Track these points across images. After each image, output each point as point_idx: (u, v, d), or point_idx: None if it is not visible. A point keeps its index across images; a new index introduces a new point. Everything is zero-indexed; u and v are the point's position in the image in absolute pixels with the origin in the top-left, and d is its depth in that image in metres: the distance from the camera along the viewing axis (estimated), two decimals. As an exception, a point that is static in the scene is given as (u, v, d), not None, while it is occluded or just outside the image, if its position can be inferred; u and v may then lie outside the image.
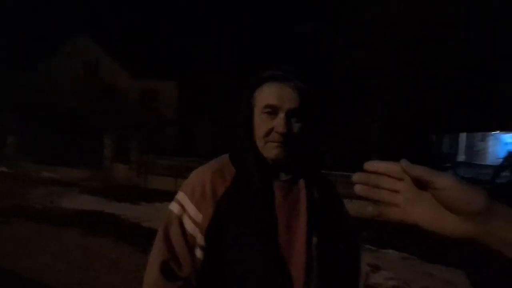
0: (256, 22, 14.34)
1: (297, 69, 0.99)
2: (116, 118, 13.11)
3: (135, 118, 13.84)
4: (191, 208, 0.95)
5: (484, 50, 9.79)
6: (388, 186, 0.51)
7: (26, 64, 16.45)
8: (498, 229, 0.44)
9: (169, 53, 17.84)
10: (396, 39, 9.57)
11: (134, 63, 18.67)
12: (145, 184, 10.31)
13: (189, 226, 0.94)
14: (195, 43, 15.73)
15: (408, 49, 9.65)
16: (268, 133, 0.94)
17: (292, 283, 0.89)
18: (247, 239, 0.90)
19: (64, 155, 11.49)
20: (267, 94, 0.95)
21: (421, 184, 0.48)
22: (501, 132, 13.75)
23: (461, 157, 17.86)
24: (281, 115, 0.93)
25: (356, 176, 0.52)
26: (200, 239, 0.93)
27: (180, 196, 0.98)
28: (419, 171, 0.46)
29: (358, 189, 0.52)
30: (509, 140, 13.04)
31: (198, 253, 0.93)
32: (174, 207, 0.98)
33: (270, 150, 0.94)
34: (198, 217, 0.94)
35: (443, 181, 0.44)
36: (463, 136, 18.20)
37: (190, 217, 0.94)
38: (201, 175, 0.99)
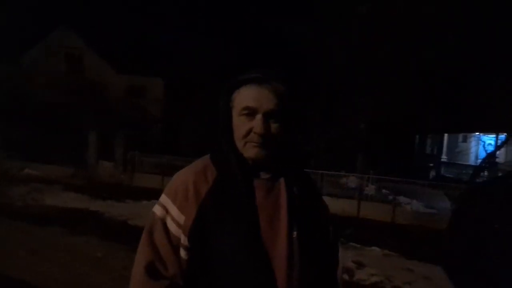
0: (245, 22, 14.35)
1: (276, 71, 1.01)
2: (101, 114, 12.91)
3: (120, 115, 13.65)
4: (174, 210, 0.97)
5: (466, 54, 10.05)
6: None
7: (6, 57, 16.00)
8: None
9: (156, 49, 17.66)
10: (381, 43, 9.75)
11: (120, 59, 18.36)
12: (131, 181, 10.20)
13: (172, 227, 0.96)
14: (183, 41, 15.64)
15: (393, 53, 9.84)
16: (247, 134, 0.96)
17: (275, 275, 0.92)
18: (230, 237, 0.93)
19: (47, 152, 11.24)
20: (245, 96, 0.97)
21: None
22: (481, 134, 14.23)
23: (444, 157, 18.34)
24: (259, 116, 0.95)
25: None
26: (184, 239, 0.95)
27: (163, 199, 1.00)
28: None
29: None
30: (488, 142, 13.55)
31: (183, 253, 0.95)
32: (157, 209, 1.00)
33: (249, 150, 0.97)
34: (181, 218, 0.96)
35: None
36: (445, 137, 18.67)
37: (173, 219, 0.96)
38: (183, 177, 1.01)
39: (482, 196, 1.53)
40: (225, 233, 0.93)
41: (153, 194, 8.28)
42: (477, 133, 14.54)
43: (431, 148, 17.92)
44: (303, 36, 10.47)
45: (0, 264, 3.98)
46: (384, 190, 9.32)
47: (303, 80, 9.98)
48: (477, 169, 11.38)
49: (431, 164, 14.96)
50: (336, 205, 7.93)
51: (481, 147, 12.71)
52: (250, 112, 0.96)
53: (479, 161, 12.79)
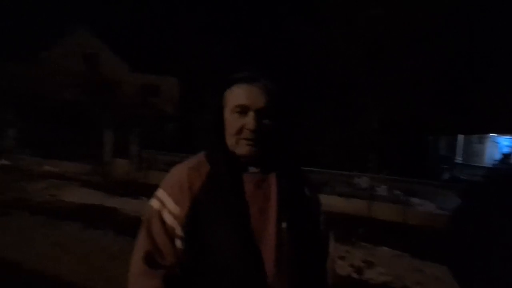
0: (255, 22, 14.39)
1: (266, 70, 1.08)
2: (116, 112, 13.15)
3: (135, 113, 13.89)
4: (169, 202, 1.04)
5: (483, 54, 9.88)
6: None
7: (26, 56, 16.44)
8: None
9: (170, 48, 17.87)
10: (393, 41, 9.65)
11: (135, 58, 18.65)
12: (145, 179, 10.39)
13: (168, 219, 1.03)
14: (196, 39, 15.77)
15: (406, 51, 9.73)
16: (239, 131, 1.02)
17: (264, 264, 0.98)
18: (220, 228, 0.99)
19: (64, 149, 11.54)
20: (237, 95, 1.03)
21: None
22: (497, 135, 13.92)
23: (458, 159, 18.02)
24: (251, 113, 1.01)
25: None
26: (179, 230, 1.02)
27: (160, 192, 1.08)
28: None
29: None
30: (504, 143, 13.22)
31: (178, 243, 1.02)
32: (154, 203, 1.08)
33: (242, 147, 1.03)
34: (176, 210, 1.03)
35: None
36: (460, 138, 18.33)
37: (169, 211, 1.03)
38: (179, 173, 1.09)
39: (479, 193, 1.57)
40: (216, 224, 1.00)
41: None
42: (493, 134, 14.25)
43: (445, 149, 17.61)
44: (316, 36, 10.45)
45: (22, 256, 4.17)
46: (396, 191, 9.26)
47: (314, 79, 10.00)
48: (492, 170, 11.16)
49: (445, 166, 14.71)
50: (347, 205, 7.94)
51: (497, 148, 12.47)
52: (242, 110, 1.02)
53: (495, 162, 12.54)
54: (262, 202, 1.04)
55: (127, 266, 3.70)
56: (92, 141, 11.36)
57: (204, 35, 15.44)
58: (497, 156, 13.39)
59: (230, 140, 1.05)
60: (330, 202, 7.02)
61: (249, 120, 1.01)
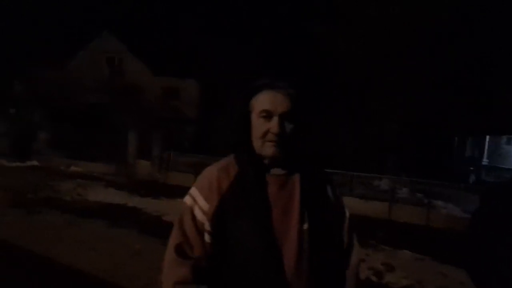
0: (274, 25, 14.41)
1: (289, 77, 1.15)
2: (139, 115, 13.50)
3: (157, 116, 14.20)
4: (200, 199, 1.12)
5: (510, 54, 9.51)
6: None
7: (54, 61, 17.11)
8: None
9: (190, 51, 18.16)
10: (416, 40, 9.44)
11: (156, 61, 19.06)
12: (166, 180, 10.61)
13: (199, 215, 1.11)
14: (215, 42, 15.96)
15: (430, 49, 9.50)
16: (264, 134, 1.09)
17: (284, 264, 1.04)
18: (244, 226, 1.06)
19: (90, 150, 11.97)
20: (262, 101, 1.11)
21: None
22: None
23: (485, 161, 17.38)
24: (275, 118, 1.08)
25: None
26: (207, 225, 1.10)
27: (192, 190, 1.17)
28: None
29: None
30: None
31: (207, 237, 1.10)
32: (187, 199, 1.16)
33: (267, 149, 1.09)
34: (206, 206, 1.11)
35: None
36: (487, 139, 17.68)
37: (200, 208, 1.12)
38: (210, 173, 1.17)
39: (499, 195, 1.54)
40: (240, 222, 1.07)
41: (186, 192, 8.52)
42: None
43: (472, 151, 17.02)
44: (335, 36, 10.37)
45: (51, 251, 4.39)
46: (418, 193, 9.05)
47: (335, 81, 9.92)
48: None
49: (471, 168, 14.22)
50: (367, 207, 7.83)
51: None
52: (267, 115, 1.09)
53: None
54: (285, 203, 1.10)
55: (148, 263, 3.83)
56: (116, 143, 11.71)
57: (223, 38, 15.60)
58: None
59: (256, 143, 1.12)
60: (349, 204, 6.92)
61: (274, 124, 1.08)
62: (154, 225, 6.06)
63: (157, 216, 6.72)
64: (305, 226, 1.08)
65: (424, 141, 11.49)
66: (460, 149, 16.00)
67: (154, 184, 10.15)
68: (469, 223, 1.63)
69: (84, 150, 12.03)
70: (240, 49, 14.58)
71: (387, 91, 10.15)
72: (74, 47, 19.34)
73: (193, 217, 1.12)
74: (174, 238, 1.13)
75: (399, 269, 4.87)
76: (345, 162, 9.81)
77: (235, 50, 14.63)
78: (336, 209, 1.20)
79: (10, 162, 11.61)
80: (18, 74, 14.08)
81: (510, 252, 1.38)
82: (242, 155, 1.16)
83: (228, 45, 15.09)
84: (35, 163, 11.89)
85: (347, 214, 1.24)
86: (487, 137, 17.40)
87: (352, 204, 7.25)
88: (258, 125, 1.11)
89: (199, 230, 1.10)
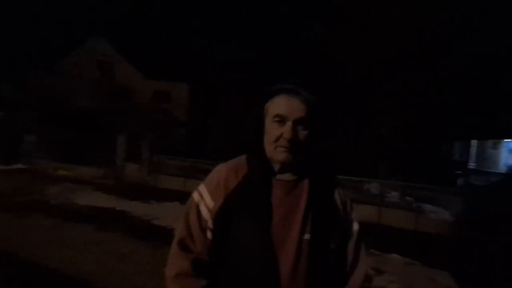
0: (267, 28, 14.48)
1: (305, 81, 1.13)
2: (129, 118, 13.40)
3: (147, 119, 14.12)
4: (207, 196, 1.14)
5: (498, 60, 9.71)
6: None
7: (43, 63, 16.93)
8: None
9: (181, 55, 18.15)
10: (406, 46, 9.58)
11: (148, 65, 19.02)
12: (155, 183, 10.52)
13: (204, 211, 1.13)
14: (207, 46, 15.97)
15: (418, 56, 9.65)
16: (277, 139, 1.07)
17: (280, 269, 1.03)
18: (244, 227, 1.06)
19: (79, 154, 11.82)
20: (277, 105, 1.09)
21: None
22: (512, 141, 13.65)
23: (472, 165, 17.69)
24: (289, 123, 1.06)
25: None
26: (210, 223, 1.11)
27: (201, 186, 1.18)
28: None
29: None
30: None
31: (209, 234, 1.12)
32: (195, 195, 1.18)
33: (279, 154, 1.08)
34: (211, 204, 1.12)
35: None
36: (474, 144, 18.01)
37: (206, 204, 1.13)
38: (219, 171, 1.17)
39: (488, 199, 1.58)
40: (240, 223, 1.07)
41: (176, 196, 8.60)
42: (507, 140, 13.95)
43: (460, 155, 17.32)
44: (326, 39, 10.44)
45: (38, 255, 4.31)
46: (408, 197, 9.14)
47: (326, 84, 9.97)
48: (503, 177, 10.91)
49: (459, 172, 14.44)
50: (357, 211, 7.85)
51: (511, 154, 12.18)
52: (281, 120, 1.08)
53: (508, 168, 12.27)
54: (289, 209, 1.08)
55: (137, 266, 3.80)
56: (105, 146, 11.60)
57: (217, 40, 15.61)
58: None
59: (268, 147, 1.11)
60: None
61: (287, 129, 1.06)
62: (143, 229, 6.00)
63: (146, 220, 6.65)
64: (306, 236, 1.06)
65: (414, 145, 11.63)
66: (448, 154, 16.26)
67: (144, 187, 10.05)
68: (457, 226, 1.67)
69: (72, 153, 11.87)
70: (234, 51, 14.59)
71: (383, 95, 10.25)
72: (64, 50, 19.19)
73: (198, 213, 1.13)
74: (179, 231, 1.15)
75: (388, 273, 4.90)
76: (339, 165, 9.88)
77: (229, 53, 14.64)
78: (343, 221, 1.18)
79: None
80: (7, 77, 13.85)
81: (499, 254, 1.41)
82: (253, 157, 1.16)
83: (222, 47, 15.09)
84: (23, 166, 11.67)
85: (356, 227, 1.21)
86: (473, 142, 17.72)
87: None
88: (271, 130, 1.09)
89: (203, 227, 1.12)
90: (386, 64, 9.85)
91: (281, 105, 1.08)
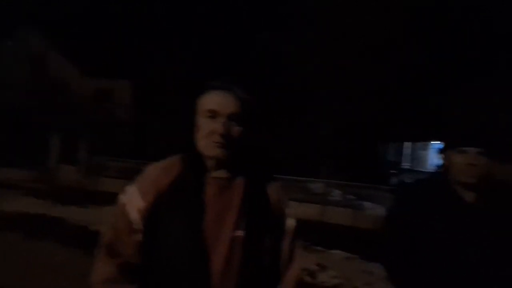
0: (212, 27, 14.35)
1: (238, 79, 1.13)
2: (64, 116, 12.47)
3: (85, 117, 13.25)
4: (136, 197, 1.09)
5: (425, 67, 10.63)
6: None
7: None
8: None
9: (125, 51, 17.27)
10: (346, 52, 10.10)
11: (87, 60, 17.82)
12: (94, 186, 9.90)
13: (132, 212, 1.07)
14: (150, 43, 15.42)
15: (357, 63, 10.23)
16: (209, 135, 1.06)
17: (211, 271, 1.00)
18: (175, 226, 1.03)
19: (7, 155, 10.72)
20: (209, 100, 1.08)
21: None
22: (439, 142, 15.09)
23: (406, 164, 19.24)
24: (221, 119, 1.06)
25: None
26: (140, 224, 1.06)
27: (130, 187, 1.13)
28: None
29: None
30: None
31: (139, 236, 1.06)
32: (122, 196, 1.12)
33: (212, 149, 1.06)
34: (141, 204, 1.07)
35: None
36: (408, 145, 19.62)
37: (134, 205, 1.08)
38: (151, 170, 1.13)
39: (406, 196, 1.70)
40: (171, 223, 1.03)
41: (116, 199, 8.06)
42: (434, 142, 15.41)
43: (394, 156, 18.72)
44: (270, 42, 10.65)
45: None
46: (349, 196, 9.63)
47: (269, 86, 10.16)
48: (430, 175, 12.00)
49: (393, 171, 15.61)
50: (301, 210, 8.12)
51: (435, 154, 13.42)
52: (213, 115, 1.07)
53: (435, 168, 13.52)
54: (223, 207, 1.06)
55: (70, 277, 3.49)
56: (38, 147, 10.67)
57: (160, 38, 15.12)
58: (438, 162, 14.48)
59: (200, 143, 1.09)
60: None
61: (219, 124, 1.05)
62: (79, 236, 5.59)
63: (83, 226, 6.21)
64: (239, 233, 1.04)
65: (355, 146, 12.30)
66: (384, 154, 17.49)
67: (81, 191, 9.40)
68: (386, 221, 1.77)
69: (0, 155, 10.73)
70: (178, 49, 14.23)
71: (325, 99, 10.68)
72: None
73: (126, 215, 1.08)
74: (105, 235, 1.11)
75: (331, 268, 5.11)
76: (284, 166, 10.10)
77: (173, 51, 14.25)
78: (278, 218, 1.17)
79: None
80: None
81: (424, 247, 1.52)
82: (186, 155, 1.13)
83: (165, 45, 14.65)
84: None
85: (292, 224, 1.20)
86: (407, 143, 19.28)
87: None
88: (204, 125, 1.08)
89: (131, 228, 1.07)
90: (327, 69, 10.29)
91: (213, 100, 1.08)
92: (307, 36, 10.39)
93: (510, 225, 1.43)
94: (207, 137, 1.06)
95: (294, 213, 1.23)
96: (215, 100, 1.08)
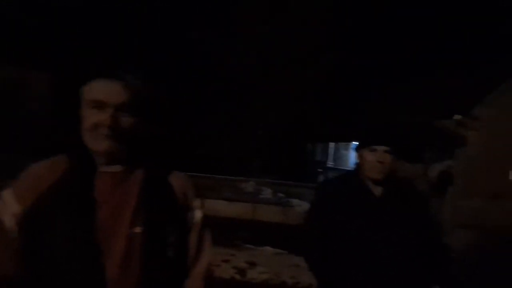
0: (136, 19, 13.61)
1: (129, 67, 1.05)
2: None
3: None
4: (10, 200, 0.97)
5: (350, 76, 11.41)
6: None
7: None
8: None
9: (40, 39, 15.52)
10: (277, 53, 10.45)
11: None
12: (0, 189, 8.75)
13: (6, 218, 0.95)
14: (71, 31, 14.14)
15: (286, 67, 10.66)
16: (96, 127, 0.98)
17: (107, 271, 0.92)
18: (62, 229, 0.93)
19: None
20: (94, 90, 0.99)
21: None
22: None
23: (330, 163, 20.59)
24: (108, 109, 0.97)
25: None
26: (16, 231, 0.94)
27: (5, 191, 1.00)
28: None
29: None
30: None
31: (15, 244, 0.94)
32: None
33: (99, 143, 0.98)
34: (17, 209, 0.95)
35: None
36: (332, 145, 21.02)
37: (8, 209, 0.96)
38: (31, 170, 1.02)
39: (324, 192, 1.85)
40: (57, 227, 0.93)
41: None
42: (355, 142, 16.77)
43: (320, 155, 19.90)
44: (203, 40, 10.56)
45: None
46: (279, 194, 9.96)
47: (206, 84, 10.06)
48: (346, 172, 13.04)
49: (320, 169, 16.59)
50: (232, 209, 8.18)
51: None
52: (99, 105, 0.98)
53: (354, 166, 14.75)
54: (117, 203, 0.98)
55: None
56: None
57: (79, 26, 13.91)
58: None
59: (86, 136, 0.99)
60: (216, 207, 7.12)
61: (106, 116, 0.97)
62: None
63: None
64: (138, 229, 0.97)
65: (284, 146, 12.78)
66: (311, 154, 18.49)
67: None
68: (306, 215, 1.90)
69: None
70: (98, 39, 13.23)
71: (256, 100, 10.88)
72: None
73: (0, 222, 0.95)
74: None
75: (260, 265, 5.23)
76: (215, 165, 10.07)
77: (93, 40, 13.20)
78: (183, 211, 1.11)
79: None
80: None
81: (340, 238, 1.65)
82: (73, 151, 1.02)
83: (85, 34, 13.51)
84: None
85: (198, 216, 1.16)
86: (332, 143, 20.64)
87: (218, 207, 7.46)
88: (89, 116, 0.98)
89: (7, 237, 0.94)
90: (258, 70, 10.53)
91: (99, 89, 0.99)
92: (238, 36, 10.50)
93: (408, 215, 1.64)
94: (93, 129, 0.97)
95: (199, 205, 1.17)
96: (101, 89, 0.98)
